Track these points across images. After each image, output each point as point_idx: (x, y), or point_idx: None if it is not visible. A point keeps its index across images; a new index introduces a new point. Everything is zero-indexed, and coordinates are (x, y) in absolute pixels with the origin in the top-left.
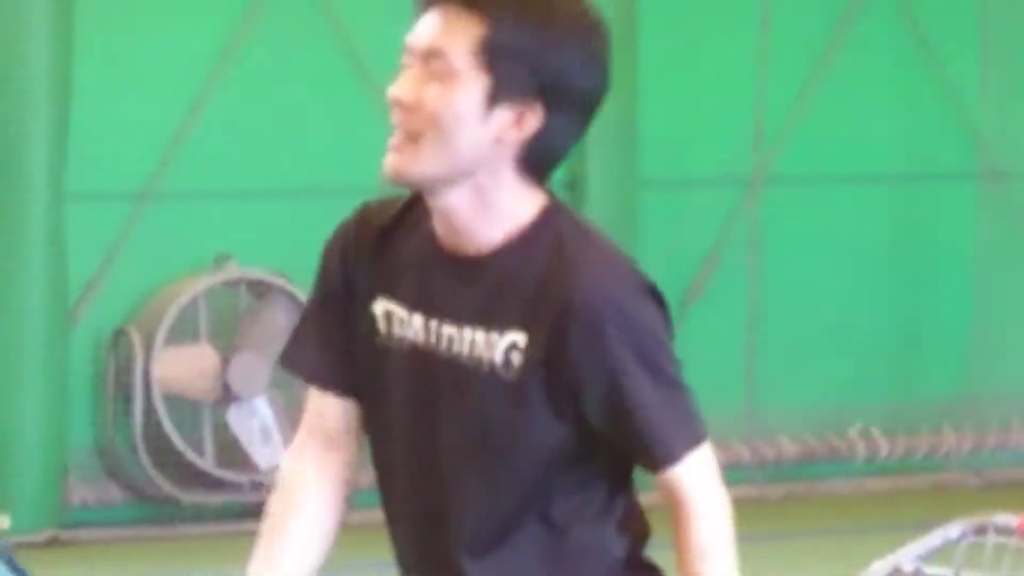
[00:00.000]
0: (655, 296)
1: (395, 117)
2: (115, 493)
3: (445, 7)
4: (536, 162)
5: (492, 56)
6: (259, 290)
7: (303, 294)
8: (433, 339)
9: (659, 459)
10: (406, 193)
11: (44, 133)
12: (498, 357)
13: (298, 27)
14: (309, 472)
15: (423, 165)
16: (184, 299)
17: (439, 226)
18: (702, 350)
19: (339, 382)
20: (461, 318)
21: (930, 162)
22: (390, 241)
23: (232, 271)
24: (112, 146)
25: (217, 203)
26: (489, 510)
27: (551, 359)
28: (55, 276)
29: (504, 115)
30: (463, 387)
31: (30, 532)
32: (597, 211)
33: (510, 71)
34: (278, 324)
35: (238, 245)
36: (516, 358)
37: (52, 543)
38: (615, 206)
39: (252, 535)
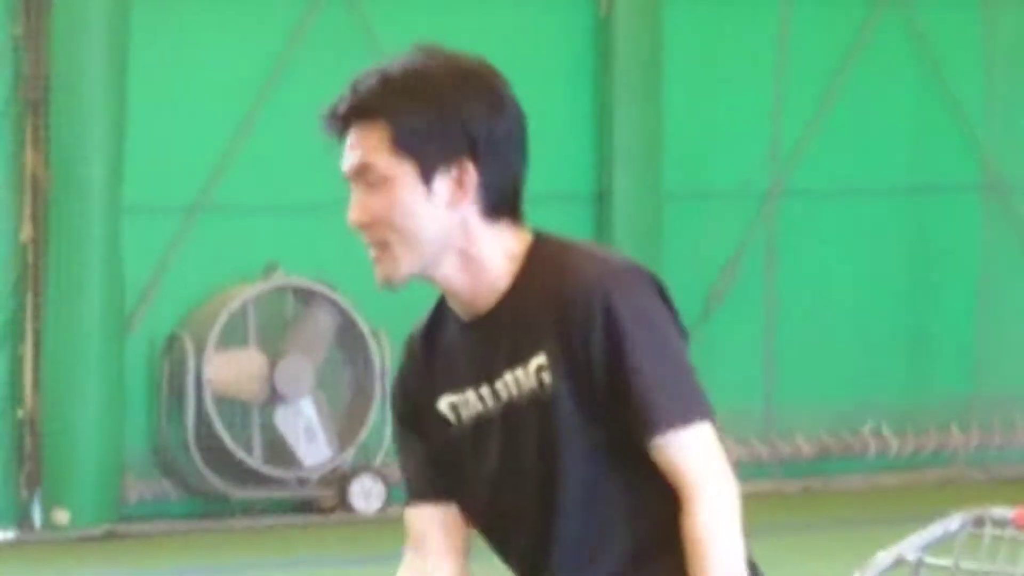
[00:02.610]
0: (645, 276)
1: (363, 237)
2: (169, 489)
3: (352, 130)
4: (495, 205)
5: (406, 146)
6: (304, 297)
7: (345, 300)
8: (490, 402)
9: (652, 424)
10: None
11: (102, 151)
12: (535, 383)
13: (339, 50)
14: None
15: (404, 263)
16: (233, 306)
17: (454, 304)
18: (723, 353)
19: (434, 491)
20: (501, 368)
21: (937, 175)
22: (432, 346)
23: (279, 279)
24: (165, 162)
25: (264, 215)
26: (575, 522)
27: (567, 362)
28: (112, 285)
29: (444, 183)
30: (523, 425)
31: (89, 526)
32: (624, 222)
33: (427, 149)
34: (322, 329)
35: (284, 255)
36: (546, 377)
37: (110, 536)
38: (641, 218)
39: (297, 528)
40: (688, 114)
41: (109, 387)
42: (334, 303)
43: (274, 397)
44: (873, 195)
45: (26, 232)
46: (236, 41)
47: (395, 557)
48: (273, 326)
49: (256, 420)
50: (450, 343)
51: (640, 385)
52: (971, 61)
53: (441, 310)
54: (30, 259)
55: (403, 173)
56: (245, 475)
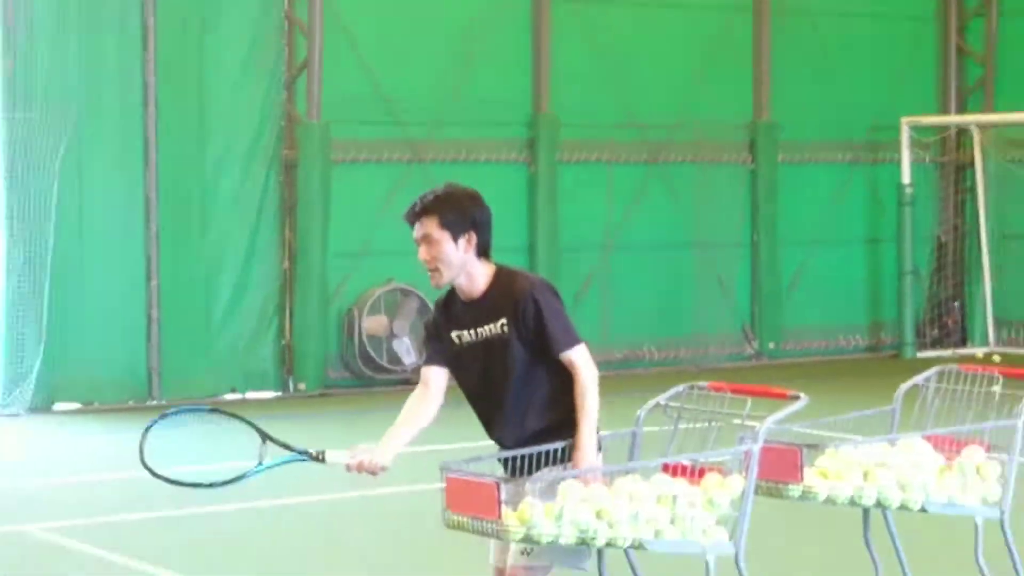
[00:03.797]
0: (548, 285)
1: (426, 265)
2: (347, 375)
3: (421, 218)
4: (481, 252)
5: (446, 227)
6: (404, 292)
7: (427, 296)
8: (474, 336)
9: (559, 347)
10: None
11: (319, 229)
12: (499, 330)
13: (425, 184)
14: (418, 402)
15: (445, 276)
16: (374, 296)
17: (460, 292)
18: (583, 322)
19: (439, 362)
20: (482, 322)
21: (674, 237)
22: (449, 306)
23: (393, 284)
24: (345, 236)
25: (386, 257)
26: (515, 395)
27: (515, 321)
28: (323, 288)
29: (462, 243)
30: (492, 348)
31: (312, 391)
32: (542, 262)
33: (455, 228)
34: (412, 306)
35: (396, 273)
36: (505, 328)
37: (322, 396)
38: (549, 260)
39: (402, 394)
40: (571, 211)
41: (321, 331)
42: (417, 295)
43: (392, 336)
44: (653, 250)
45: (284, 265)
46: (369, 183)
47: (445, 407)
48: (391, 305)
49: (384, 345)
50: (457, 309)
51: (551, 331)
52: (692, 190)
53: (452, 293)
54: (294, 281)
55: (444, 239)
56: (380, 369)
